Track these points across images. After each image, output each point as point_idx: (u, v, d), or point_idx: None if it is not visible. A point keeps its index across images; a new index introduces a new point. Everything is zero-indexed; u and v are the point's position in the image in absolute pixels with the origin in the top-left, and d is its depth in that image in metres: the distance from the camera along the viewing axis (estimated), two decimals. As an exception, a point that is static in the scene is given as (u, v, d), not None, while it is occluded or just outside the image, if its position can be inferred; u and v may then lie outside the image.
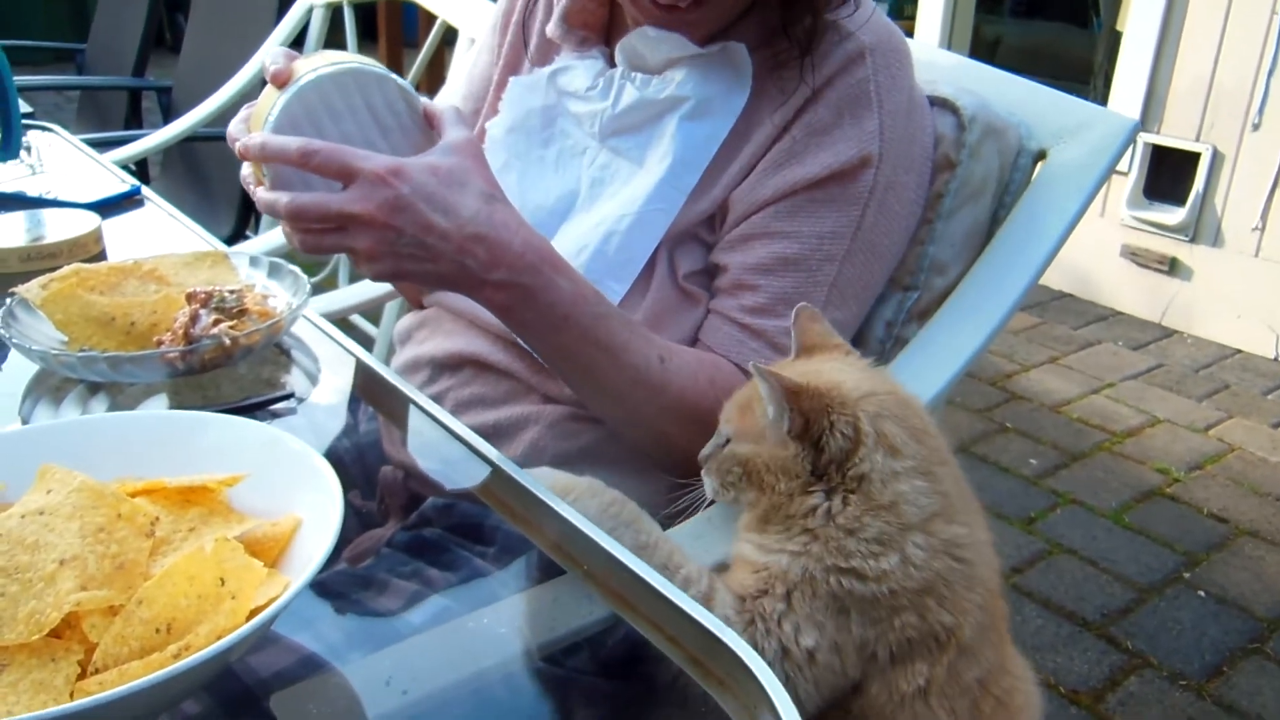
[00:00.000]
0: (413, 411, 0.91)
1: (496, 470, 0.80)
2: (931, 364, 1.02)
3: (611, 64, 1.04)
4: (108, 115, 3.23)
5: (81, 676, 0.52)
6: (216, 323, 0.89)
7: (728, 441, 0.77)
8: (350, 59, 0.87)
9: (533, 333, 0.89)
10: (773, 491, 0.73)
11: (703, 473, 0.80)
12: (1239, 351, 3.40)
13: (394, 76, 0.88)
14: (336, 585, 0.82)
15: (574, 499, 0.76)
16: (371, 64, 0.88)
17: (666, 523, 0.85)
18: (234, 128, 0.90)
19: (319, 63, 0.86)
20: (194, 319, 0.89)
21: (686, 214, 0.98)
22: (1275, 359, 3.33)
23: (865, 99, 0.94)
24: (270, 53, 0.87)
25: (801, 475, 0.72)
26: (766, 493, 0.73)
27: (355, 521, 0.98)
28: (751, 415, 0.75)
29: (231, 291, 0.93)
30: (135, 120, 3.13)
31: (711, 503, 0.83)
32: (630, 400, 0.91)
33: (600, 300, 0.89)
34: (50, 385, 0.92)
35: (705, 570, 0.75)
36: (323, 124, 0.86)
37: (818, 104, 0.95)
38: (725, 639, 0.61)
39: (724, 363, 0.95)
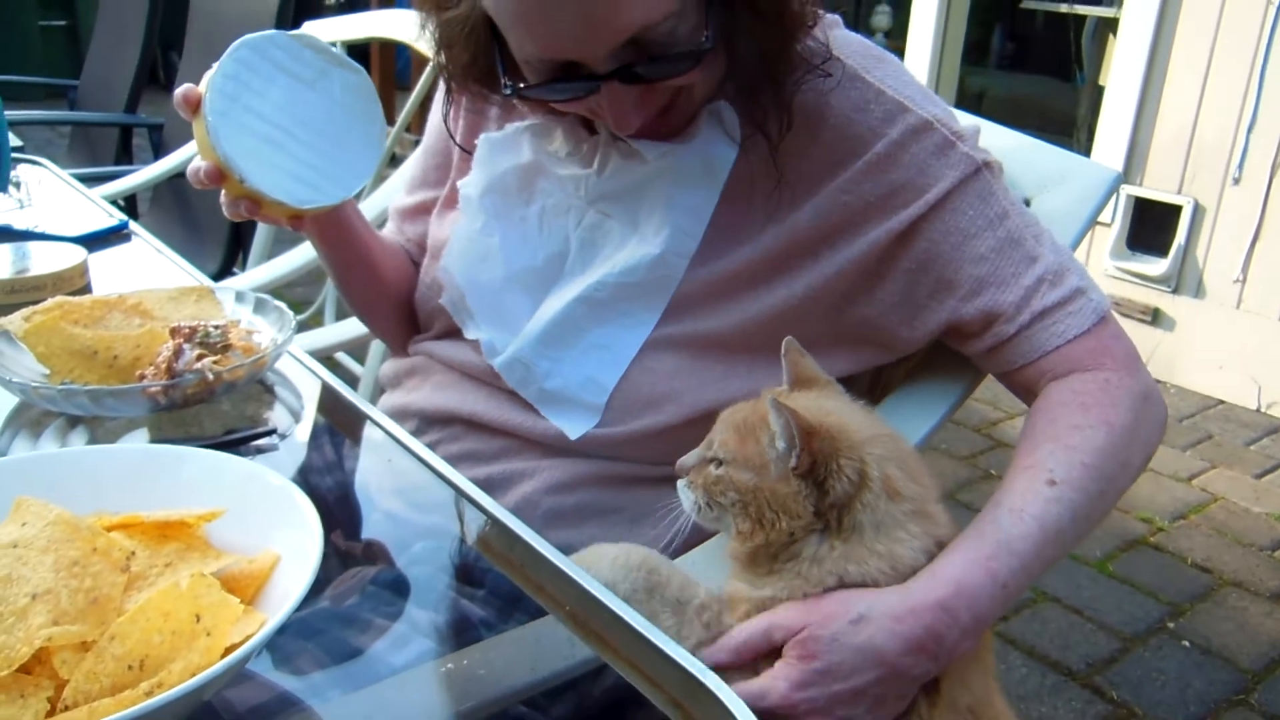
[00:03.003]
0: (400, 454, 0.91)
1: (483, 512, 0.80)
2: (918, 409, 1.02)
3: (587, 125, 1.00)
4: (99, 151, 3.24)
5: (51, 713, 0.51)
6: (200, 357, 0.89)
7: (718, 461, 0.76)
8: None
9: (1025, 585, 0.79)
10: (772, 528, 0.72)
11: (680, 484, 0.78)
12: (1221, 402, 3.41)
13: (281, 31, 0.91)
14: (318, 623, 0.81)
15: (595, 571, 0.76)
16: (258, 33, 0.91)
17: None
18: (190, 171, 0.93)
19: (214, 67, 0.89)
20: (177, 353, 0.89)
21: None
22: (1258, 410, 3.35)
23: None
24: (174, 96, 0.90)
25: (804, 516, 0.71)
26: (765, 528, 0.72)
27: (337, 561, 0.97)
28: (754, 442, 0.74)
29: (216, 326, 0.93)
30: (126, 157, 3.14)
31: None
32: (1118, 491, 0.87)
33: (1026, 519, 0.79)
34: (30, 418, 0.91)
35: (717, 597, 0.77)
36: (253, 104, 0.89)
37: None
38: (707, 682, 0.60)
39: (1052, 395, 0.89)
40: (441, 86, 1.06)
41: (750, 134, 0.92)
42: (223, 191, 0.93)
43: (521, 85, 0.88)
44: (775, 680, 0.72)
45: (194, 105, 0.89)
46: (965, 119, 0.97)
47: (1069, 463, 0.82)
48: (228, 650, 0.53)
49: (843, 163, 0.91)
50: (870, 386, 1.08)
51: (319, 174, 0.92)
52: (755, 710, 0.62)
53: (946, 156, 0.91)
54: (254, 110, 0.89)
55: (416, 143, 1.25)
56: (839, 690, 0.71)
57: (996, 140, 1.10)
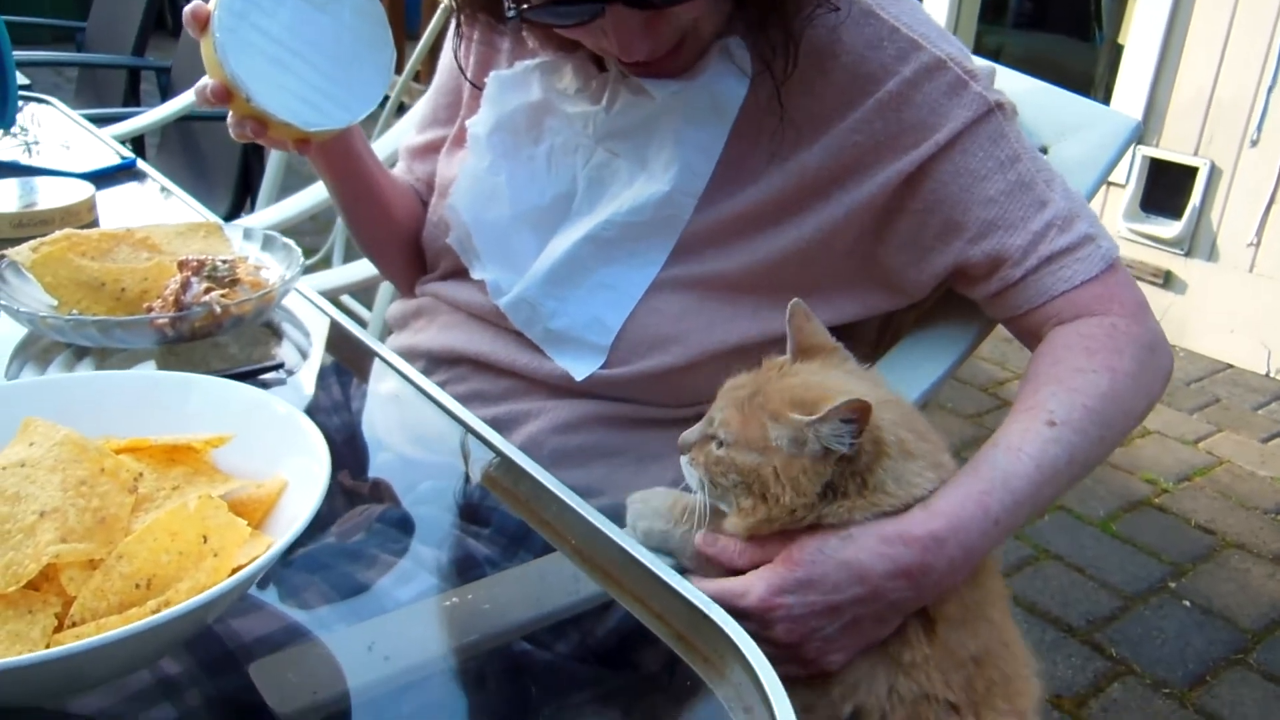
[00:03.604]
0: (407, 392, 0.91)
1: (491, 449, 0.80)
2: (927, 357, 1.01)
3: (597, 62, 0.99)
4: (106, 95, 3.21)
5: (58, 629, 0.51)
6: (208, 291, 0.88)
7: (719, 441, 0.74)
8: None
9: (1018, 523, 0.80)
10: (776, 504, 0.71)
11: (684, 460, 0.78)
12: (1230, 366, 3.40)
13: None
14: (324, 557, 0.81)
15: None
16: None
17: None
18: (197, 89, 0.92)
19: None
20: (185, 286, 0.88)
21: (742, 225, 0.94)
22: (1266, 374, 3.34)
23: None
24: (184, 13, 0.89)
25: (809, 494, 0.71)
26: (769, 504, 0.71)
27: (344, 500, 0.97)
28: (758, 424, 0.72)
29: (224, 261, 0.93)
30: (134, 100, 3.12)
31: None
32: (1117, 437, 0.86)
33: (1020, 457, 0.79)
34: (38, 349, 0.91)
35: None
36: (262, 24, 0.88)
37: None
38: (712, 615, 0.61)
39: (1057, 339, 0.88)
40: (453, 24, 1.05)
41: (760, 70, 0.91)
42: (229, 112, 0.92)
43: (525, 5, 0.87)
44: (756, 581, 0.73)
45: (203, 22, 0.88)
46: (980, 64, 0.96)
47: (1070, 404, 0.82)
48: (234, 572, 0.53)
49: (854, 101, 0.90)
50: (879, 333, 1.08)
51: (326, 97, 0.91)
52: (732, 610, 0.63)
53: (959, 96, 0.89)
54: (262, 29, 0.88)
55: (424, 92, 1.23)
56: (815, 601, 0.72)
57: (1014, 86, 1.09)
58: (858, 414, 0.67)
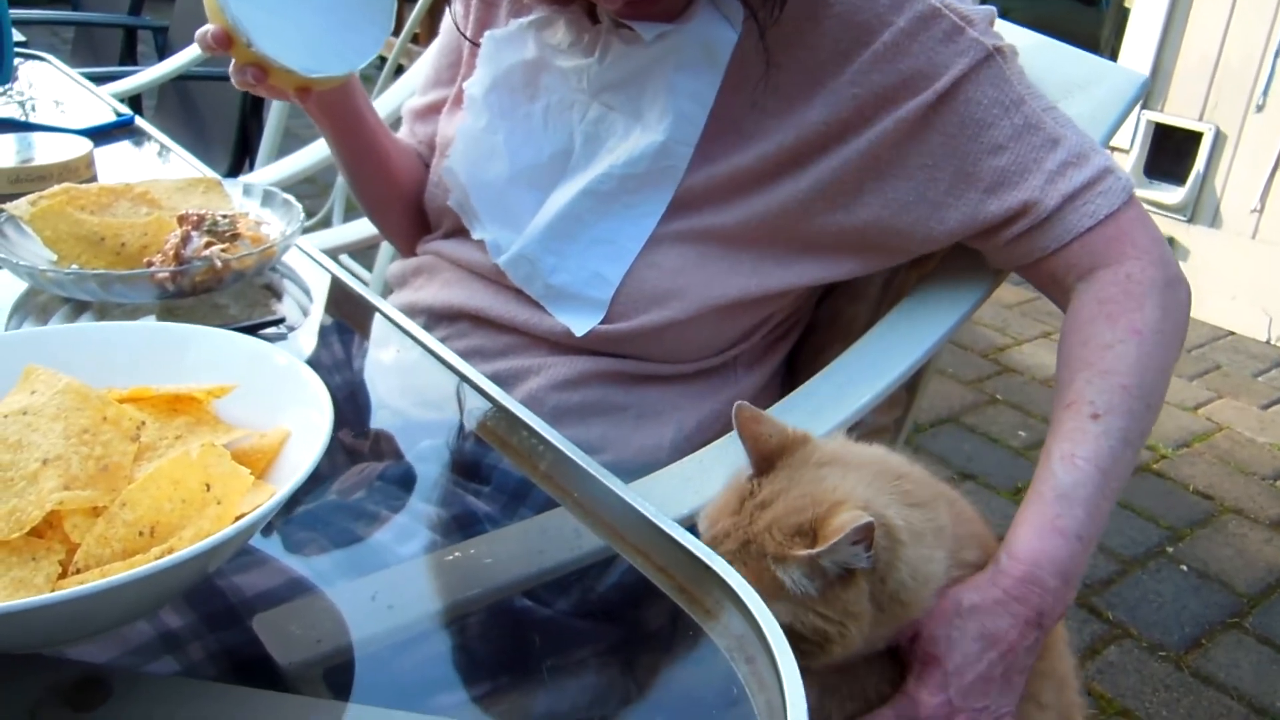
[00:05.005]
0: (407, 349, 0.90)
1: (492, 403, 0.79)
2: (928, 319, 1.01)
3: (591, 15, 0.98)
4: (102, 55, 3.19)
5: (62, 576, 0.51)
6: (208, 245, 0.88)
7: None
8: None
9: (1101, 523, 0.83)
10: (842, 638, 0.66)
11: None
12: (1232, 333, 3.40)
13: None
14: (325, 514, 0.82)
15: None
16: None
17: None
18: (198, 35, 0.91)
19: None
20: (185, 240, 0.88)
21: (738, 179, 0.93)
22: (1267, 341, 3.34)
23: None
24: None
25: (865, 612, 0.67)
26: (837, 642, 0.67)
27: (345, 458, 0.97)
28: (768, 575, 0.67)
29: (224, 216, 0.92)
30: (130, 59, 3.09)
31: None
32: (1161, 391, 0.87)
33: (1079, 465, 0.80)
34: (37, 304, 0.90)
35: None
36: None
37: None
38: (715, 567, 0.61)
39: (1079, 311, 0.88)
40: None
41: (749, 18, 0.90)
42: (231, 64, 0.92)
43: None
44: (914, 693, 0.74)
45: None
46: (979, 9, 0.94)
47: (1108, 389, 0.82)
48: (238, 519, 0.53)
49: (849, 53, 0.89)
50: (882, 290, 1.07)
51: (326, 46, 0.91)
52: None
53: (955, 43, 0.88)
54: None
55: (422, 54, 1.22)
56: (970, 682, 0.73)
57: (1019, 42, 1.07)
58: (864, 536, 0.63)
